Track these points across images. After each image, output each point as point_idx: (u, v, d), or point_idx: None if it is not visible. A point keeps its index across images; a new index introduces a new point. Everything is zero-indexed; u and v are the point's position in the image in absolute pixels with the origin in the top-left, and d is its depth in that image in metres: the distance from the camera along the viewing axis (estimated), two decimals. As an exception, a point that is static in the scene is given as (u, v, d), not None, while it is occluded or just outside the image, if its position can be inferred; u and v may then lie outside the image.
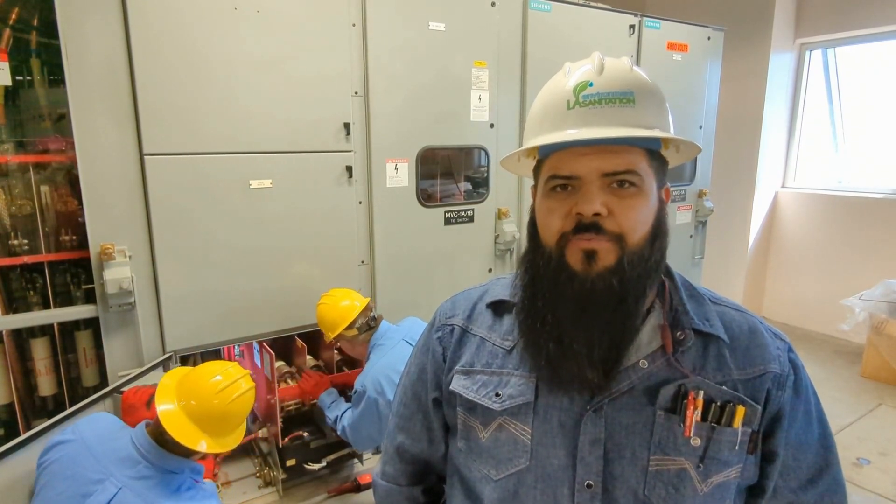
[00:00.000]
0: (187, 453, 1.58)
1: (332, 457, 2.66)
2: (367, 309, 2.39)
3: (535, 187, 0.88)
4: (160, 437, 1.55)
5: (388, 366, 2.19)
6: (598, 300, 0.77)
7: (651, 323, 0.82)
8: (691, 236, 3.97)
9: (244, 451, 2.84)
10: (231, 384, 1.66)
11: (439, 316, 0.99)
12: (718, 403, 0.79)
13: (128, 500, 1.43)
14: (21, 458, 1.80)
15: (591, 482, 0.79)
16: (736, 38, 4.46)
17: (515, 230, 3.05)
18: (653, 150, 0.81)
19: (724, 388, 0.80)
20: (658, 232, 0.80)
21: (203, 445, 1.57)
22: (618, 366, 0.80)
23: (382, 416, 2.14)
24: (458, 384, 0.89)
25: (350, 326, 2.33)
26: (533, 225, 0.85)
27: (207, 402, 1.61)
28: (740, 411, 0.79)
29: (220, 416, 1.62)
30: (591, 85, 0.78)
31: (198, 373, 1.68)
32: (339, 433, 2.35)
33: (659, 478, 0.78)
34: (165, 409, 1.56)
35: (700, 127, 3.84)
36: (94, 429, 1.61)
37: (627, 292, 0.77)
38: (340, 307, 2.36)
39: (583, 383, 0.80)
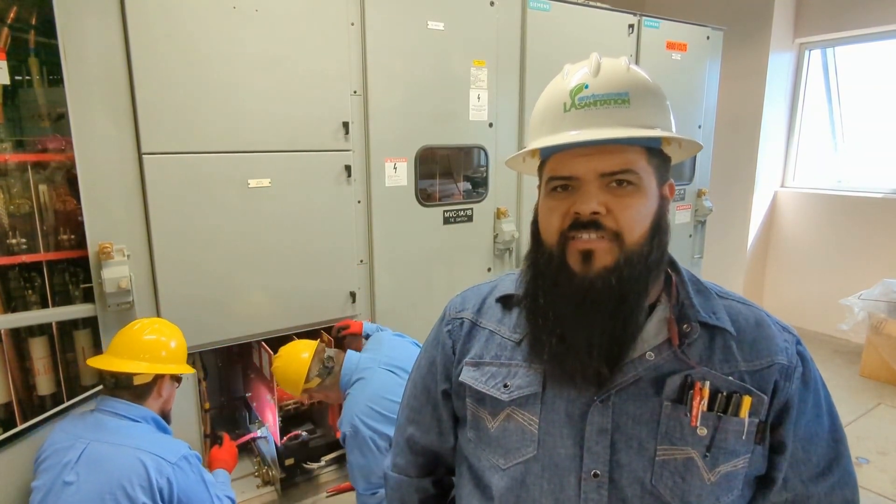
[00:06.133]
0: (141, 393, 1.75)
1: (331, 456, 2.67)
2: (319, 352, 2.14)
3: (540, 186, 0.90)
4: (114, 392, 1.73)
5: (373, 396, 1.94)
6: (597, 299, 0.78)
7: (658, 316, 0.84)
8: (690, 236, 3.98)
9: (243, 450, 2.84)
10: (150, 321, 1.92)
11: (449, 310, 1.01)
12: (724, 393, 0.80)
13: (96, 450, 1.55)
14: (17, 454, 1.81)
15: (598, 471, 0.80)
16: (735, 37, 4.46)
17: (514, 229, 3.05)
18: (653, 147, 0.82)
19: (730, 378, 0.81)
20: (658, 229, 0.81)
21: (157, 368, 1.76)
22: (624, 358, 0.81)
23: (382, 449, 1.89)
24: (467, 375, 0.91)
25: (309, 380, 2.08)
26: (536, 224, 0.87)
27: (135, 339, 1.82)
28: (746, 401, 0.80)
29: (148, 343, 1.81)
30: (587, 87, 0.80)
31: (123, 337, 1.85)
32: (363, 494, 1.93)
33: (666, 467, 0.79)
34: (110, 364, 1.74)
35: (699, 126, 3.84)
36: (69, 417, 1.75)
37: (628, 291, 0.78)
38: (298, 361, 2.11)
39: (587, 376, 0.81)
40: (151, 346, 1.81)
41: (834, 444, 0.86)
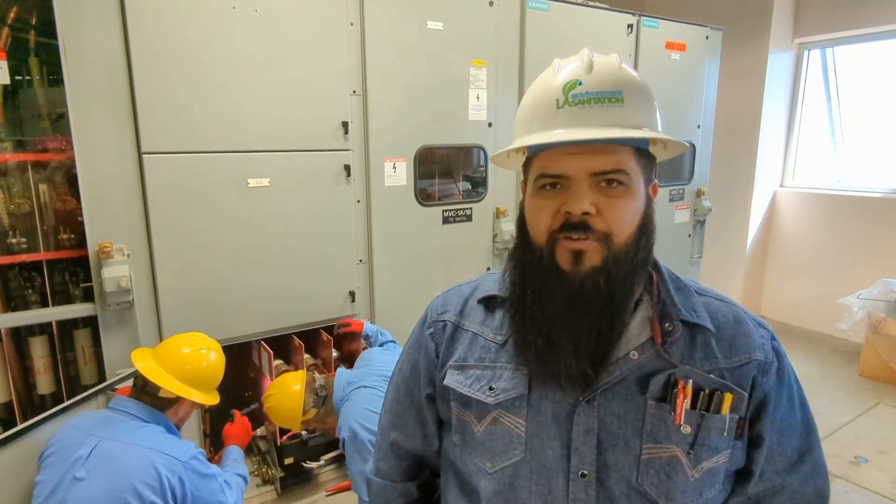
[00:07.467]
0: (162, 406, 1.75)
1: (330, 455, 2.67)
2: (309, 382, 2.07)
3: (524, 183, 0.89)
4: (138, 395, 1.73)
5: (370, 398, 1.93)
6: (585, 299, 0.78)
7: (640, 315, 0.84)
8: (689, 235, 3.98)
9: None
10: (200, 349, 1.87)
11: (430, 312, 0.99)
12: (707, 391, 0.80)
13: (107, 448, 1.56)
14: (16, 453, 1.81)
15: (586, 471, 0.80)
16: (734, 37, 4.47)
17: (513, 229, 3.05)
18: (641, 147, 0.82)
19: (711, 376, 0.81)
20: (645, 230, 0.81)
21: (183, 391, 1.74)
22: (609, 358, 0.81)
23: None
24: (451, 379, 0.90)
25: (305, 412, 2.03)
26: (522, 221, 0.86)
27: (176, 352, 1.81)
28: (728, 398, 0.80)
29: (187, 358, 1.81)
30: (580, 84, 0.78)
31: (169, 344, 1.87)
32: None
33: (651, 465, 0.80)
34: (144, 365, 1.73)
35: (698, 126, 3.84)
36: (80, 415, 1.75)
37: (615, 290, 0.78)
38: (291, 395, 2.04)
39: (572, 377, 0.81)
40: (190, 362, 1.80)
41: (806, 435, 0.87)
